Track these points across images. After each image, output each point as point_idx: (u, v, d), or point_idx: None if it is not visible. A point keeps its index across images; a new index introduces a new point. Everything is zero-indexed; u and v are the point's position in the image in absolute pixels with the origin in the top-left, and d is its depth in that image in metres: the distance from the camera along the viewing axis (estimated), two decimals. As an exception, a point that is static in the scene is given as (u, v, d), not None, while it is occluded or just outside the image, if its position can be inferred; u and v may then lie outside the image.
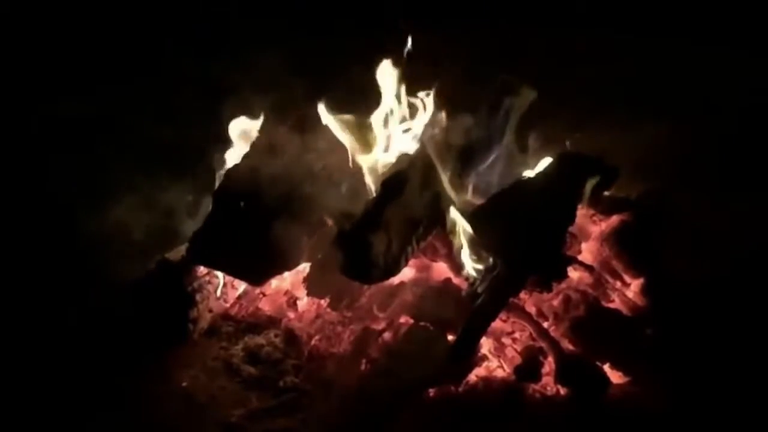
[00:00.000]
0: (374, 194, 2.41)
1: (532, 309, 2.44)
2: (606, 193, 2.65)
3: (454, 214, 2.40)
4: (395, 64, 2.66)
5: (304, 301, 2.61)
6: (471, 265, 2.39)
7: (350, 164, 2.60)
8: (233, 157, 2.72)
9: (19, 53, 3.61)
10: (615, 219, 2.60)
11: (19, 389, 2.24)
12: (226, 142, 2.75)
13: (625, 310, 2.41)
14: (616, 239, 2.51)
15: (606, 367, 2.25)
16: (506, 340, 2.38)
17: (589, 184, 2.48)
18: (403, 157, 2.57)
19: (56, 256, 2.85)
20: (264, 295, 2.69)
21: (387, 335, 2.40)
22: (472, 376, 2.29)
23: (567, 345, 2.31)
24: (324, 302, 2.51)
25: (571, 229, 2.48)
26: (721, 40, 3.74)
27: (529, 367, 2.27)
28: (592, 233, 2.63)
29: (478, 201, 2.52)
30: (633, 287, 2.47)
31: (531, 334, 2.36)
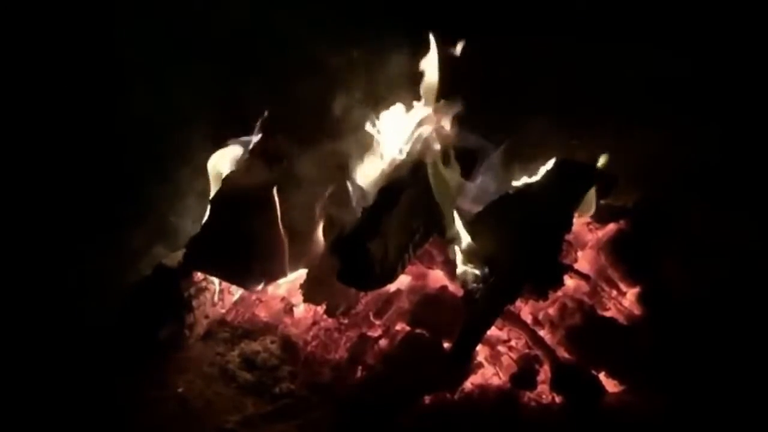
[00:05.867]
0: (372, 201, 2.41)
1: (528, 317, 2.44)
2: (603, 201, 2.66)
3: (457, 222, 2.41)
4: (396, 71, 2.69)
5: (300, 308, 2.61)
6: (469, 273, 2.39)
7: (349, 171, 2.61)
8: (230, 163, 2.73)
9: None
10: (612, 227, 2.60)
11: (15, 393, 2.24)
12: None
13: (621, 319, 2.41)
14: (613, 248, 2.51)
15: (601, 376, 2.26)
16: (502, 348, 2.38)
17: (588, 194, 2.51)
18: (401, 165, 2.58)
19: (55, 260, 2.85)
20: (260, 301, 2.69)
21: (383, 342, 2.40)
22: (468, 384, 2.29)
23: (563, 353, 2.32)
24: (320, 309, 2.51)
25: (567, 237, 2.49)
26: (720, 48, 3.75)
27: (524, 375, 2.28)
28: (588, 241, 2.63)
29: (476, 208, 2.52)
30: (629, 296, 2.47)
31: (527, 341, 2.37)
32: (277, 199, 2.46)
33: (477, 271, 2.35)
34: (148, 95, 3.33)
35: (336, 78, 2.69)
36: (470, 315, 2.25)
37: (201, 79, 3.34)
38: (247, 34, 3.45)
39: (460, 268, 2.34)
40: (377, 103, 2.68)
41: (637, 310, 2.42)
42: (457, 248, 2.36)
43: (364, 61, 2.71)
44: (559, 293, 2.41)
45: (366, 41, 2.80)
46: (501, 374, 2.32)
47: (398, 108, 2.69)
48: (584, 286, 2.49)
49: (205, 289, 2.55)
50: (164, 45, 3.47)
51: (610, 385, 2.25)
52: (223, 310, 2.63)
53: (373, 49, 2.75)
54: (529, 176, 2.68)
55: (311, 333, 2.48)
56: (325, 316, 2.49)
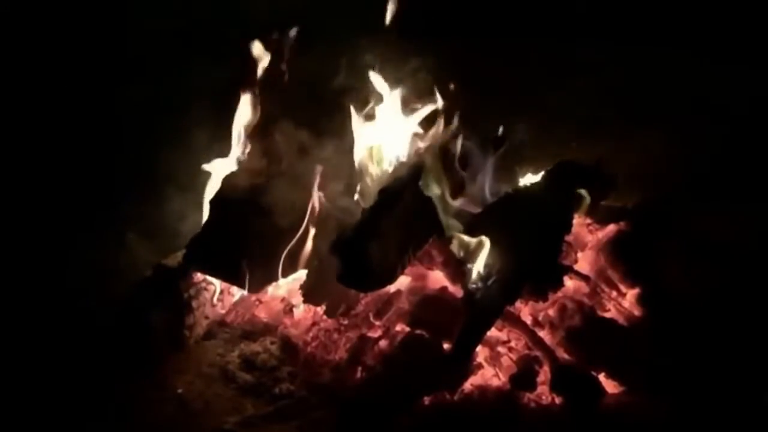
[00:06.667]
0: (372, 202, 2.41)
1: (527, 318, 2.44)
2: (602, 202, 2.66)
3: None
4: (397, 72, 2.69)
5: (300, 309, 2.61)
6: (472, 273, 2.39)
7: (350, 171, 2.61)
8: (230, 163, 2.73)
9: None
10: (611, 228, 2.61)
11: (12, 395, 2.24)
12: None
13: (620, 320, 2.41)
14: (613, 248, 2.51)
15: (601, 377, 2.25)
16: (502, 349, 2.38)
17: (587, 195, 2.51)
18: (401, 166, 2.59)
19: (54, 259, 2.85)
20: (260, 302, 2.69)
21: (383, 343, 2.40)
22: (468, 385, 2.29)
23: (562, 354, 2.32)
24: (320, 310, 2.52)
25: (567, 238, 2.49)
26: (719, 51, 3.76)
27: (524, 376, 2.27)
28: (588, 242, 2.64)
29: (476, 209, 2.52)
30: (629, 297, 2.47)
31: (526, 342, 2.37)
32: (276, 199, 2.46)
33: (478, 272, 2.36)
34: (148, 92, 3.33)
35: (337, 76, 2.69)
36: (470, 316, 2.25)
37: (201, 77, 3.35)
38: (248, 29, 3.45)
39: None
40: (378, 102, 2.68)
41: (636, 311, 2.42)
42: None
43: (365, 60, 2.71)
44: (559, 294, 2.41)
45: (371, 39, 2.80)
46: (501, 375, 2.32)
47: (398, 108, 2.69)
48: (584, 287, 2.49)
49: (205, 289, 2.55)
50: (164, 40, 3.48)
51: (610, 386, 2.25)
52: (223, 311, 2.64)
53: (376, 48, 2.76)
54: (529, 177, 2.69)
55: (311, 334, 2.48)
56: (325, 317, 2.49)
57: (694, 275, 2.53)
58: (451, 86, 2.68)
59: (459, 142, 2.56)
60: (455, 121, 2.64)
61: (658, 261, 2.52)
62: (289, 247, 2.47)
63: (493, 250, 2.31)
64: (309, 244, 2.52)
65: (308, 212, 2.50)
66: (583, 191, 2.48)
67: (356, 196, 2.58)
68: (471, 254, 2.36)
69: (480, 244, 2.32)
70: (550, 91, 3.53)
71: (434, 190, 2.46)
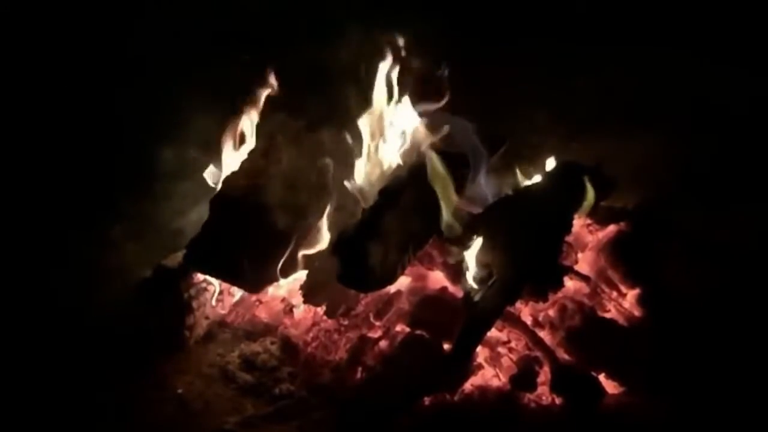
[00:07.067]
0: (372, 202, 2.41)
1: (528, 318, 2.44)
2: (602, 202, 2.66)
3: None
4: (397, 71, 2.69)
5: (300, 309, 2.61)
6: (470, 274, 2.39)
7: (351, 172, 2.61)
8: (230, 164, 2.72)
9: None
10: (612, 229, 2.61)
11: (12, 395, 2.24)
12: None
13: (621, 320, 2.41)
14: (613, 249, 2.52)
15: (601, 377, 2.26)
16: (502, 349, 2.38)
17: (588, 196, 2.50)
18: (401, 166, 2.58)
19: (54, 260, 2.85)
20: (260, 302, 2.69)
21: (383, 343, 2.40)
22: (468, 385, 2.29)
23: (563, 354, 2.32)
24: (320, 310, 2.52)
25: (567, 238, 2.49)
26: (719, 51, 3.76)
27: (524, 377, 2.28)
28: (588, 243, 2.64)
29: (476, 210, 2.52)
30: (629, 297, 2.47)
31: (527, 343, 2.37)
32: (276, 198, 2.46)
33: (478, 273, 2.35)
34: (148, 92, 3.33)
35: (338, 77, 2.68)
36: (470, 316, 2.25)
37: (201, 77, 3.34)
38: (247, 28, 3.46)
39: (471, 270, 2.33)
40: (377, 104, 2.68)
41: (637, 312, 2.42)
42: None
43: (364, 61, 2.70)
44: (560, 295, 2.41)
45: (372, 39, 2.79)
46: (501, 376, 2.32)
47: (398, 108, 2.69)
48: (584, 288, 2.49)
49: (205, 289, 2.55)
50: (164, 40, 3.47)
51: (610, 387, 2.25)
52: (224, 311, 2.64)
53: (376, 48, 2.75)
54: (529, 178, 2.68)
55: (311, 334, 2.48)
56: (325, 318, 2.49)
57: (694, 275, 2.53)
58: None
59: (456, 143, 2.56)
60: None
61: (658, 261, 2.53)
62: (289, 248, 2.47)
63: (493, 250, 2.31)
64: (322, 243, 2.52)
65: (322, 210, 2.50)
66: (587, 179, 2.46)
67: (347, 184, 2.57)
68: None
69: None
70: (550, 91, 3.52)
71: (435, 190, 2.45)
